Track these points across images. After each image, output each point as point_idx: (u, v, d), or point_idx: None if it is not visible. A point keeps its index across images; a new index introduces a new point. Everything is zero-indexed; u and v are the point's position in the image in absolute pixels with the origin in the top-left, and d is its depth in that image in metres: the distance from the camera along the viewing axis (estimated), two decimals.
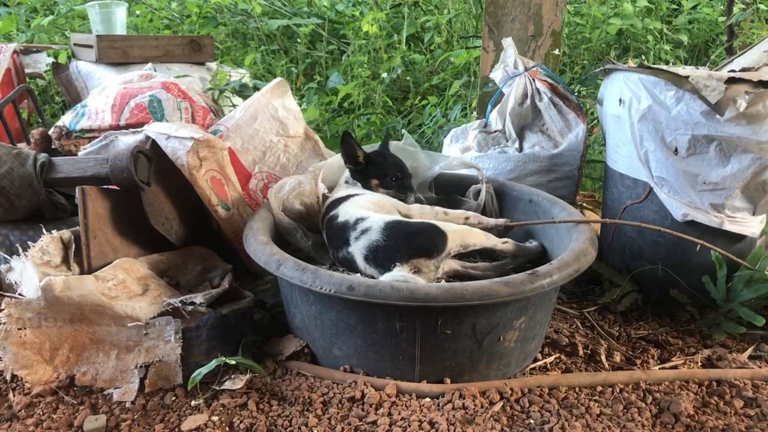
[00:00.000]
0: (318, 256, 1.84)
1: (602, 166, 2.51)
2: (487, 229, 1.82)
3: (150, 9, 4.68)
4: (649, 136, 1.82)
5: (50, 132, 2.25)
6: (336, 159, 2.09)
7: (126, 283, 1.58)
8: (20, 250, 1.65)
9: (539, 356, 1.68)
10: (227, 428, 1.40)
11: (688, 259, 1.87)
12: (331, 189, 1.98)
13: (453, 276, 1.70)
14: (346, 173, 2.01)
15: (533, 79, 2.36)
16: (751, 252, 1.82)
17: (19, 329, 1.49)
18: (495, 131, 2.47)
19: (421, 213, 1.86)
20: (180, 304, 1.55)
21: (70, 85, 3.27)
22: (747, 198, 1.77)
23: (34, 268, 1.55)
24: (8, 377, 1.55)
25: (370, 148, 2.08)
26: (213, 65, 3.48)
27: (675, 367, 1.66)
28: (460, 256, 1.75)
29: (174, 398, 1.51)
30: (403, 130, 2.75)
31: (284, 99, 2.25)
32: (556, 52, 2.72)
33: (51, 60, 3.41)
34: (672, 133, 1.77)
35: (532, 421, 1.40)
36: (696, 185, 1.78)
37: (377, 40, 4.17)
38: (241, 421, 1.41)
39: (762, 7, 3.83)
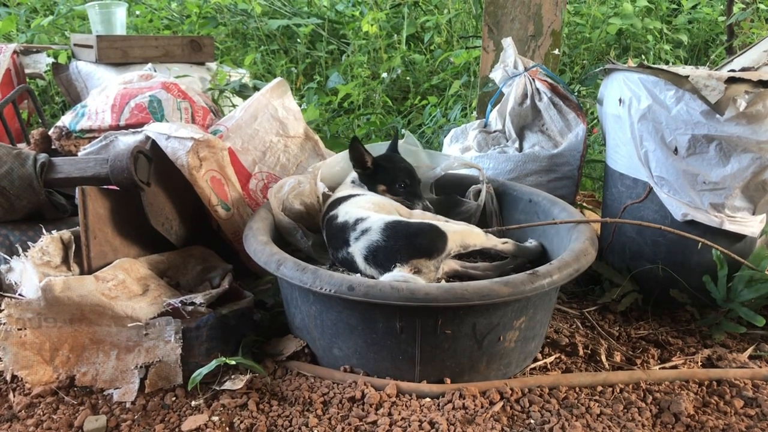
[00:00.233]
0: (318, 256, 1.84)
1: (602, 166, 2.51)
2: None
3: (150, 9, 4.68)
4: (649, 136, 1.82)
5: (50, 132, 2.25)
6: (335, 159, 2.09)
7: (126, 284, 1.58)
8: (20, 250, 1.65)
9: (539, 356, 1.68)
10: (227, 428, 1.40)
11: (688, 259, 1.87)
12: (331, 189, 1.97)
13: (453, 276, 1.70)
14: (353, 174, 2.00)
15: (533, 79, 2.36)
16: (751, 251, 1.82)
17: (19, 329, 1.49)
18: (495, 131, 2.47)
19: (423, 217, 1.86)
20: (180, 305, 1.55)
21: (70, 86, 3.27)
22: (747, 198, 1.77)
23: (34, 268, 1.55)
24: (8, 378, 1.55)
25: (373, 147, 2.06)
26: (213, 65, 3.48)
27: (675, 367, 1.66)
28: (460, 257, 1.75)
29: (174, 398, 1.51)
30: (404, 130, 2.75)
31: (284, 99, 2.25)
32: (556, 51, 2.72)
33: (51, 60, 3.41)
34: (672, 132, 1.77)
35: (532, 421, 1.40)
36: (696, 185, 1.78)
37: (377, 40, 4.17)
38: (241, 422, 1.41)
39: (762, 6, 3.83)
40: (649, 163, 1.84)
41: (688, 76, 1.70)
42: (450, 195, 2.10)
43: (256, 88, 2.95)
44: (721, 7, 4.54)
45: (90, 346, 1.55)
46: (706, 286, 1.84)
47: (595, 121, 3.01)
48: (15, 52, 3.16)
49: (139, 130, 1.95)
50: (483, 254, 1.86)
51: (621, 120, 1.91)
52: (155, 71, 2.79)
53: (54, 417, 1.45)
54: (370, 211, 1.75)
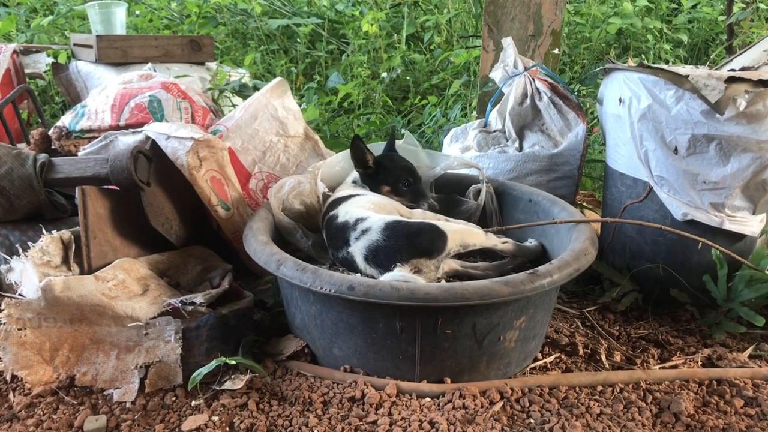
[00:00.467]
0: (318, 256, 1.84)
1: (602, 166, 2.51)
2: None
3: (150, 9, 4.67)
4: (648, 136, 1.82)
5: (50, 132, 2.25)
6: (335, 158, 2.08)
7: (126, 284, 1.58)
8: (20, 250, 1.65)
9: (539, 356, 1.68)
10: (227, 428, 1.40)
11: (688, 259, 1.87)
12: (331, 188, 1.97)
13: (453, 276, 1.70)
14: (354, 174, 2.00)
15: (533, 79, 2.36)
16: (751, 251, 1.82)
17: (19, 329, 1.49)
18: (495, 131, 2.47)
19: (423, 217, 1.86)
20: (180, 304, 1.55)
21: (70, 86, 3.27)
22: (747, 197, 1.77)
23: (34, 268, 1.55)
24: (8, 378, 1.55)
25: (372, 147, 2.06)
26: (213, 65, 3.48)
27: (675, 367, 1.66)
28: (460, 256, 1.74)
29: (174, 398, 1.51)
30: (404, 130, 2.75)
31: (284, 99, 2.25)
32: (556, 51, 2.72)
33: (51, 60, 3.41)
34: (672, 132, 1.77)
35: (532, 421, 1.40)
36: (696, 184, 1.78)
37: (377, 39, 4.17)
38: (241, 421, 1.41)
39: (762, 6, 3.83)
40: (649, 162, 1.84)
41: (688, 76, 1.70)
42: (450, 194, 2.10)
43: (255, 88, 2.95)
44: (721, 6, 4.54)
45: (90, 346, 1.55)
46: (706, 286, 1.84)
47: (595, 120, 3.01)
48: (15, 52, 3.16)
49: (138, 130, 1.95)
50: (483, 254, 1.86)
51: (621, 119, 1.91)
52: (155, 71, 2.79)
53: (54, 417, 1.45)
54: (370, 211, 1.75)
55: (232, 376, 1.55)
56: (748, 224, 1.79)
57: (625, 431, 1.38)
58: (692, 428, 1.41)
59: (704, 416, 1.44)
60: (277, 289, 1.88)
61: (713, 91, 1.65)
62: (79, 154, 2.03)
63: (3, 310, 1.48)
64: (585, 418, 1.41)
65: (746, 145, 1.68)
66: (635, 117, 1.83)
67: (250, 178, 2.14)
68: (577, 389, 1.52)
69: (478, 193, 2.04)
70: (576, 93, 3.06)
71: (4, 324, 1.48)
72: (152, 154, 1.81)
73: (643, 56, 4.13)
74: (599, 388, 1.54)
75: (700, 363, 1.68)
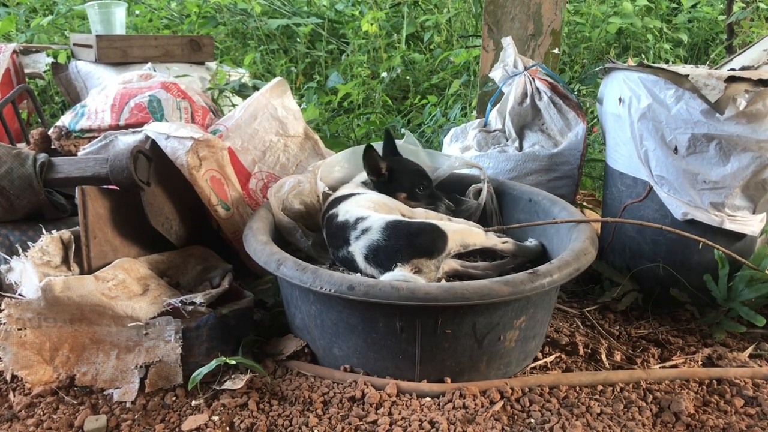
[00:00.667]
0: (318, 256, 1.84)
1: (602, 165, 2.51)
2: None
3: (149, 9, 4.67)
4: (648, 135, 1.82)
5: (50, 132, 2.25)
6: (335, 158, 2.08)
7: (126, 283, 1.58)
8: (20, 250, 1.65)
9: (540, 355, 1.68)
10: (228, 428, 1.40)
11: (688, 258, 1.87)
12: (331, 188, 1.97)
13: (453, 276, 1.70)
14: (362, 175, 1.98)
15: (533, 78, 2.36)
16: (751, 251, 1.82)
17: (19, 329, 1.49)
18: (495, 130, 2.47)
19: (424, 216, 1.86)
20: (180, 304, 1.55)
21: (70, 85, 3.27)
22: (747, 197, 1.77)
23: (34, 268, 1.55)
24: (8, 377, 1.55)
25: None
26: (212, 65, 3.48)
27: (675, 366, 1.66)
28: (460, 256, 1.74)
29: (174, 398, 1.51)
30: (404, 129, 2.75)
31: (284, 98, 2.25)
32: (556, 51, 2.72)
33: (50, 60, 3.41)
34: (672, 132, 1.76)
35: (532, 421, 1.40)
36: (696, 184, 1.78)
37: (377, 39, 4.17)
38: (241, 421, 1.41)
39: (762, 5, 3.83)
40: (649, 162, 1.84)
41: (687, 75, 1.70)
42: (450, 194, 2.10)
43: (255, 88, 2.95)
44: (721, 6, 4.54)
45: (90, 345, 1.55)
46: (706, 285, 1.84)
47: (595, 120, 3.00)
48: (14, 51, 3.15)
49: (138, 129, 1.95)
50: (483, 254, 1.86)
51: (621, 119, 1.91)
52: (155, 71, 2.79)
53: (54, 417, 1.45)
54: (370, 210, 1.74)
55: (232, 376, 1.55)
56: (748, 224, 1.79)
57: (626, 431, 1.38)
58: (692, 428, 1.41)
59: (704, 416, 1.44)
60: (277, 288, 1.88)
61: (713, 90, 1.65)
62: (79, 153, 2.03)
63: (3, 310, 1.48)
64: (585, 417, 1.41)
65: (746, 144, 1.68)
66: (635, 116, 1.83)
67: (249, 178, 2.14)
68: (578, 389, 1.52)
69: (478, 192, 2.04)
70: (576, 92, 3.06)
71: (4, 324, 1.48)
72: (152, 153, 1.80)
73: (643, 56, 4.13)
74: (599, 387, 1.54)
75: (700, 362, 1.68)
